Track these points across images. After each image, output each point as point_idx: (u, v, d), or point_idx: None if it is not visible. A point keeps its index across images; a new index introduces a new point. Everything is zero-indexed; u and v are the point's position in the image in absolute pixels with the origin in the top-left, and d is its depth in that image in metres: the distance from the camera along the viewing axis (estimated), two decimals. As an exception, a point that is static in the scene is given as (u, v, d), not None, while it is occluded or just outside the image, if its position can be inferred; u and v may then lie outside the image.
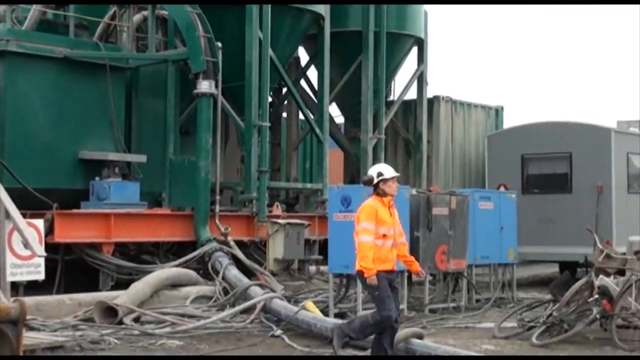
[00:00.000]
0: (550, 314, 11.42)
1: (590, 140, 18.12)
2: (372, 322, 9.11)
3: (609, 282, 11.13)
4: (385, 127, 19.57)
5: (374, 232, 8.97)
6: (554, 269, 20.35)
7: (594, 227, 16.71)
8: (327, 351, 10.13)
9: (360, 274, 9.08)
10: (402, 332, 9.63)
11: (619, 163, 18.02)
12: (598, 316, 10.85)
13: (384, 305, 8.96)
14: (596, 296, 10.98)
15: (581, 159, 18.00)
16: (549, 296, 12.40)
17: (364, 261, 8.91)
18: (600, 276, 11.28)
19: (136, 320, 11.62)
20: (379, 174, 9.17)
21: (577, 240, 16.62)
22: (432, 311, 13.75)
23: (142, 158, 15.54)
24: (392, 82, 20.98)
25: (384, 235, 9.06)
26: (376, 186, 9.18)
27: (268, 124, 16.61)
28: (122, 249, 14.58)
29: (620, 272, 11.44)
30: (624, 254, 11.83)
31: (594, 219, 17.31)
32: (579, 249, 16.41)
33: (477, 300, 14.89)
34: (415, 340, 9.58)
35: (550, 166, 18.63)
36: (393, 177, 9.20)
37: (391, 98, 20.87)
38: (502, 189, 17.75)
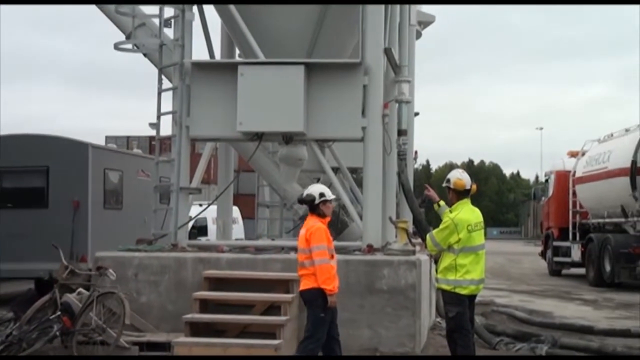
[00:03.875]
0: (11, 333, 10.96)
1: (67, 154, 17.87)
2: (309, 354, 8.71)
3: (72, 298, 10.99)
4: None
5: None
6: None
7: (69, 242, 16.57)
8: None
9: (313, 294, 8.73)
10: None
11: (95, 178, 18.04)
12: (58, 333, 10.65)
13: (323, 330, 8.75)
14: (58, 313, 10.78)
15: (58, 173, 17.69)
16: (11, 314, 11.90)
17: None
18: (66, 293, 11.11)
19: None
20: (321, 195, 8.88)
21: (51, 257, 16.26)
22: None
23: None
24: None
25: (332, 256, 8.91)
26: (316, 207, 8.87)
27: None
28: None
29: (88, 288, 11.34)
30: (90, 269, 11.77)
31: (70, 234, 17.12)
32: (52, 265, 16.10)
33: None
34: None
35: (27, 180, 18.06)
36: (332, 199, 8.99)
37: None
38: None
